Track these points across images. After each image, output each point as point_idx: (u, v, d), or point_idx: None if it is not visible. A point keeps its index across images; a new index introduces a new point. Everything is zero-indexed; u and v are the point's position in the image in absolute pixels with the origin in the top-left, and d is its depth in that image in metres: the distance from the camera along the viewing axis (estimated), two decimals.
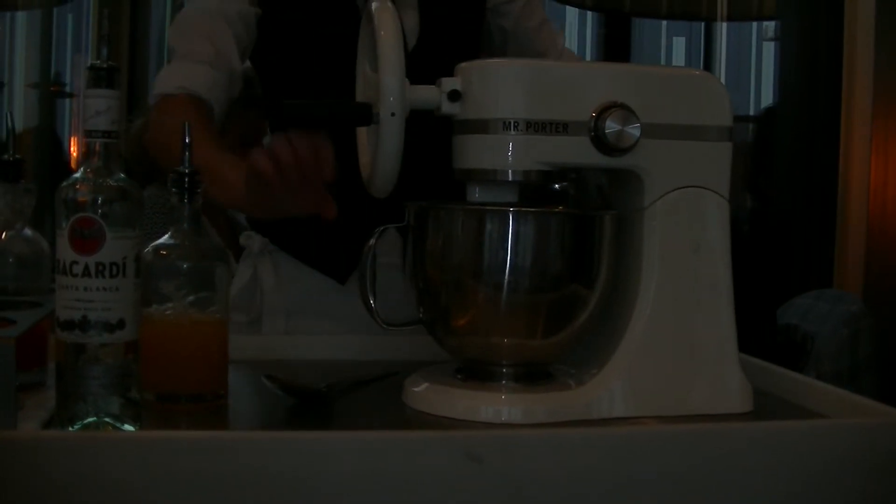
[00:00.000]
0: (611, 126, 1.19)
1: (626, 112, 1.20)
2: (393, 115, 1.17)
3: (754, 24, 5.53)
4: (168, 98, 1.62)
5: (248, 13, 1.70)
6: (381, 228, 1.27)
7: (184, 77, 1.63)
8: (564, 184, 1.35)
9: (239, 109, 1.96)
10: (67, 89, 5.39)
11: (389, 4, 1.24)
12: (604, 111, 1.20)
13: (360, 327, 1.50)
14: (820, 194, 4.27)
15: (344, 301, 1.68)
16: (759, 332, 3.14)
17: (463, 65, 1.24)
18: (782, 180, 4.43)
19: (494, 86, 1.21)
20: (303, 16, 1.71)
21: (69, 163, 5.08)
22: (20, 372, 1.07)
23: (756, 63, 5.49)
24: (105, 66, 1.08)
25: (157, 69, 4.72)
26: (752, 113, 5.25)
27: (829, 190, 4.19)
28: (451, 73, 1.24)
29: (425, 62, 1.28)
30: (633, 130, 1.20)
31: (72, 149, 5.13)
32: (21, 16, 5.41)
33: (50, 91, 5.31)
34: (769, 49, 5.38)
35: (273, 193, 1.27)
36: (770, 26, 5.40)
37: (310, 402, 1.23)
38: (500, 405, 1.20)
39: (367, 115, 1.22)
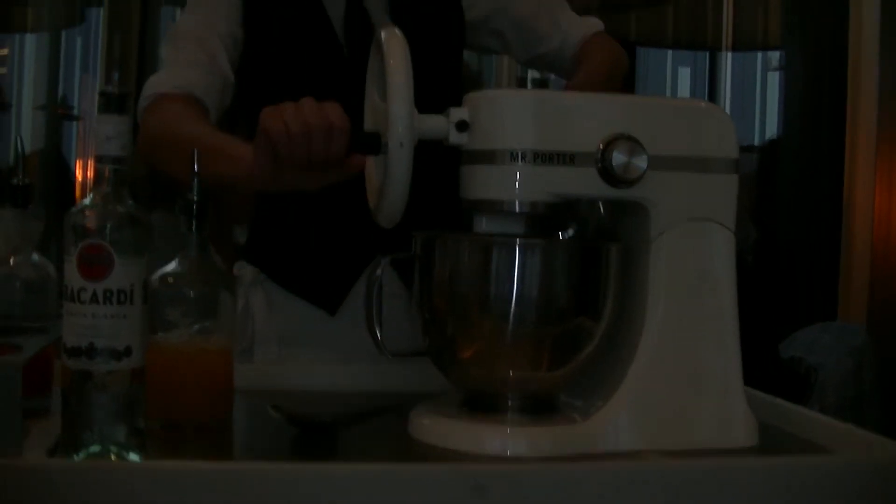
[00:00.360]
0: (618, 158, 1.19)
1: (633, 144, 1.20)
2: (402, 145, 1.18)
3: (759, 54, 5.54)
4: (163, 97, 1.62)
5: (237, 33, 1.72)
6: (385, 259, 1.27)
7: (178, 77, 1.64)
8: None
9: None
10: (75, 112, 5.40)
11: (398, 33, 1.24)
12: (611, 142, 1.20)
13: (351, 356, 1.50)
14: (824, 225, 4.27)
15: (335, 331, 1.69)
16: (764, 364, 3.14)
17: (471, 95, 1.25)
18: (786, 211, 4.44)
19: (502, 116, 1.21)
20: (284, 42, 1.72)
21: (75, 186, 5.08)
22: (25, 398, 1.07)
23: (761, 93, 5.50)
24: (116, 91, 1.08)
25: None
26: (756, 143, 5.25)
27: (834, 221, 4.19)
28: (431, 100, 1.24)
29: None
30: (640, 162, 1.20)
31: (77, 172, 5.14)
32: (30, 38, 5.43)
33: (57, 113, 5.32)
34: (774, 79, 5.39)
35: (283, 160, 1.28)
36: (775, 56, 5.41)
37: (315, 433, 1.23)
38: (506, 438, 1.20)
39: (375, 144, 1.23)
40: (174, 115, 1.59)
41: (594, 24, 1.85)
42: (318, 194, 1.37)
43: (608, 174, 1.20)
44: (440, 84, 1.26)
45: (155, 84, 1.64)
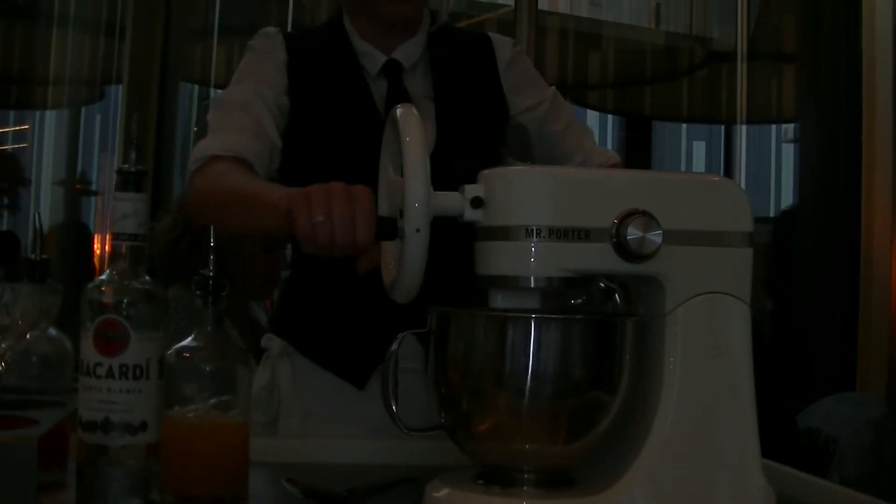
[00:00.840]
0: (633, 233, 1.20)
1: (648, 219, 1.20)
2: (418, 230, 1.18)
3: (774, 126, 5.57)
4: (214, 158, 1.64)
5: (283, 103, 1.74)
6: (403, 334, 1.27)
7: (226, 141, 1.66)
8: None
9: None
10: (93, 187, 5.45)
11: (414, 111, 1.26)
12: (625, 218, 1.20)
13: (379, 431, 1.49)
14: (841, 295, 4.26)
15: (362, 405, 1.69)
16: (781, 435, 3.12)
17: (486, 172, 1.25)
18: (803, 282, 4.43)
19: (517, 193, 1.22)
20: (327, 115, 1.75)
21: (94, 261, 5.11)
22: (40, 471, 1.07)
23: (776, 164, 5.53)
24: (133, 170, 1.10)
25: (182, 170, 4.77)
26: (772, 214, 5.26)
27: (851, 292, 4.19)
28: (467, 180, 1.25)
29: (443, 170, 1.29)
30: (655, 237, 1.20)
31: (96, 247, 5.17)
32: (49, 114, 5.49)
33: (75, 189, 5.37)
34: (789, 151, 5.41)
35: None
36: (789, 128, 5.44)
37: None
38: None
39: (391, 230, 1.23)
40: (220, 172, 1.61)
41: (613, 155, 1.90)
42: (347, 268, 1.38)
43: (623, 249, 1.21)
44: (479, 165, 1.27)
45: (203, 148, 1.66)
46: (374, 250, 1.30)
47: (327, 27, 1.86)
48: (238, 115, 1.70)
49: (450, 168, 1.31)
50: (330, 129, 1.76)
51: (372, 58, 1.80)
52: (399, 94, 1.76)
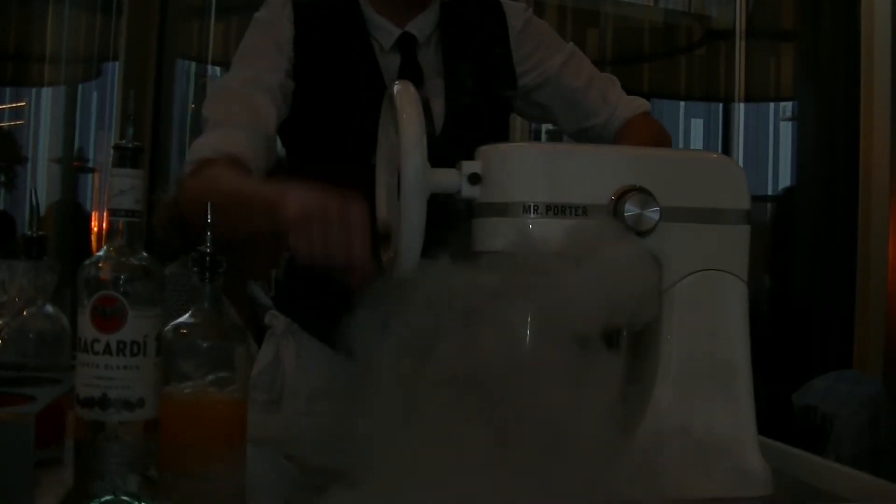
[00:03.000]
0: (630, 209, 1.20)
1: (645, 196, 1.20)
2: (414, 197, 1.18)
3: (772, 104, 5.56)
4: (206, 161, 1.62)
5: (287, 85, 1.72)
6: None
7: (221, 141, 1.63)
8: None
9: None
10: (90, 164, 5.44)
11: (411, 87, 1.25)
12: (623, 195, 1.20)
13: None
14: (839, 274, 4.27)
15: None
16: (778, 413, 3.12)
17: (483, 148, 1.25)
18: (800, 260, 4.43)
19: (514, 169, 1.22)
20: (336, 94, 1.73)
21: (91, 238, 5.11)
22: (38, 448, 1.07)
23: (774, 143, 5.52)
24: (130, 146, 1.09)
25: (179, 147, 4.77)
26: (770, 193, 5.26)
27: (848, 270, 4.19)
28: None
29: (451, 146, 1.29)
30: (653, 214, 1.20)
31: (93, 224, 5.17)
32: (46, 91, 5.48)
33: (73, 166, 5.36)
34: (787, 129, 5.40)
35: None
36: (787, 107, 5.43)
37: (329, 482, 1.22)
38: None
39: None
40: (212, 176, 1.59)
41: (641, 103, 1.87)
42: None
43: None
44: (486, 142, 1.27)
45: (198, 149, 1.64)
46: (367, 275, 1.30)
47: None
48: (236, 108, 1.67)
49: (457, 145, 1.31)
50: (337, 104, 1.74)
51: (386, 31, 1.77)
52: (413, 69, 1.74)
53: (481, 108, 1.77)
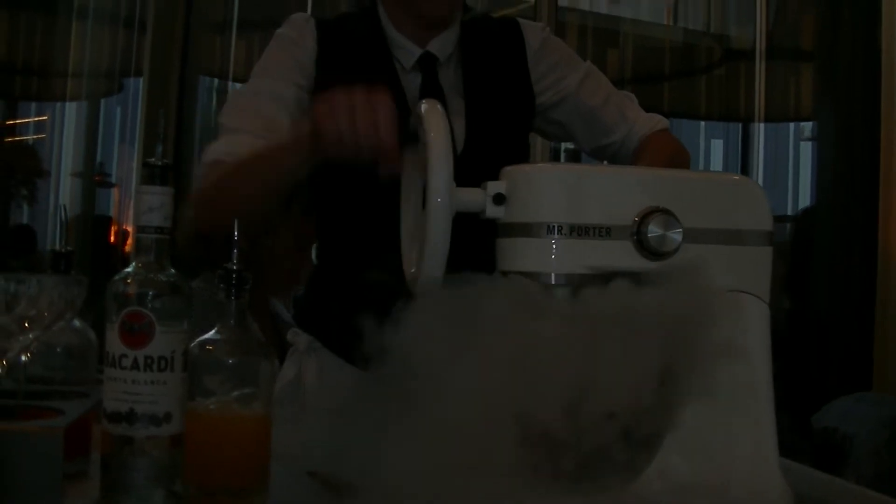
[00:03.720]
0: (653, 231, 1.20)
1: (669, 217, 1.21)
2: (440, 215, 1.19)
3: (791, 125, 5.56)
4: (217, 162, 1.64)
5: (303, 101, 1.72)
6: None
7: (234, 145, 1.64)
8: None
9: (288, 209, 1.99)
10: (111, 179, 5.47)
11: (439, 106, 1.26)
12: (646, 216, 1.21)
13: None
14: (858, 295, 4.25)
15: None
16: (797, 434, 3.12)
17: (508, 169, 1.26)
18: (820, 281, 4.42)
19: (539, 190, 1.23)
20: None
21: (112, 252, 5.13)
22: (65, 461, 1.09)
23: (793, 163, 5.51)
24: (160, 163, 1.11)
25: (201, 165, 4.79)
26: (789, 213, 5.25)
27: (868, 290, 4.18)
28: (496, 176, 1.26)
29: (471, 167, 1.30)
30: (676, 235, 1.21)
31: (112, 238, 5.19)
32: (69, 106, 5.51)
33: (94, 180, 5.39)
34: (806, 149, 5.40)
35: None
36: (807, 127, 5.43)
37: (351, 498, 1.23)
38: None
39: (413, 132, 1.27)
40: (225, 168, 1.61)
41: (659, 120, 1.87)
42: (375, 259, 1.39)
43: (644, 247, 1.21)
44: (507, 161, 1.28)
45: (211, 152, 1.66)
46: (395, 154, 1.35)
47: (360, 16, 1.84)
48: (250, 116, 1.68)
49: (479, 165, 1.32)
50: None
51: (407, 50, 1.78)
52: (434, 89, 1.75)
53: (502, 127, 1.78)
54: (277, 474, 1.27)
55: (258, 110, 1.69)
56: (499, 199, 1.23)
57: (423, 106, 1.27)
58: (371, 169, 1.34)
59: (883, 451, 3.17)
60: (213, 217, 1.58)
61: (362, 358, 1.73)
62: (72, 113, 5.51)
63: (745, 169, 5.38)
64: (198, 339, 1.20)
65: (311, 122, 1.40)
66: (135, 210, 1.12)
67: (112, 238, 5.26)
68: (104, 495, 1.08)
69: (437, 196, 1.19)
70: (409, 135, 1.28)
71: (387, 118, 1.33)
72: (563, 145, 4.81)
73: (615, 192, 1.23)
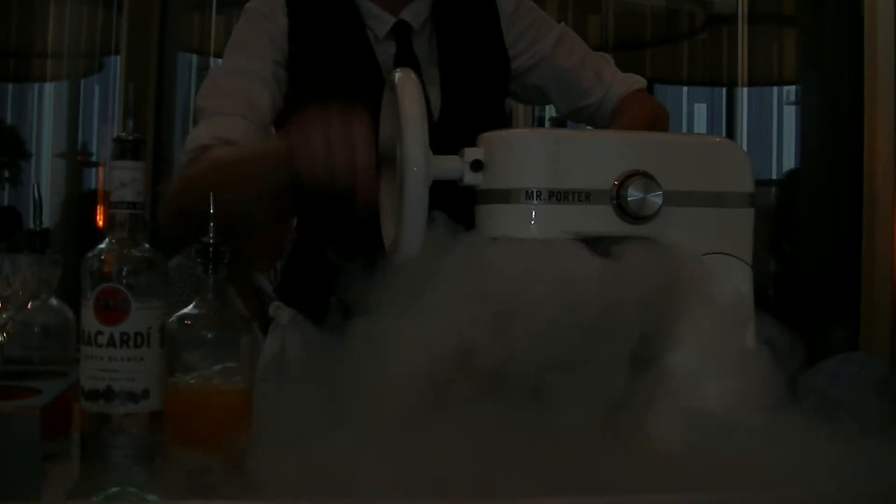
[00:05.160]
0: (633, 194, 1.19)
1: (648, 180, 1.20)
2: (416, 185, 1.18)
3: (775, 88, 5.56)
4: (204, 147, 1.62)
5: (280, 76, 1.71)
6: None
7: (217, 128, 1.63)
8: None
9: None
10: (94, 159, 5.45)
11: (413, 75, 1.25)
12: (626, 179, 1.20)
13: None
14: (844, 257, 4.26)
15: None
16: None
17: (486, 135, 1.25)
18: (806, 243, 4.42)
19: (517, 156, 1.22)
20: (331, 83, 1.72)
21: (96, 231, 5.12)
22: (44, 441, 1.07)
23: (778, 127, 5.51)
24: (130, 138, 1.09)
25: (182, 140, 4.77)
26: (774, 177, 5.26)
27: (853, 252, 4.18)
28: (473, 144, 1.25)
29: (448, 134, 1.29)
30: (656, 198, 1.20)
31: (98, 218, 5.18)
32: (48, 87, 5.48)
33: (77, 161, 5.37)
34: (790, 113, 5.40)
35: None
36: (791, 91, 5.42)
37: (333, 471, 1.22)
38: None
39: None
40: (212, 156, 1.60)
41: (636, 80, 1.85)
42: (358, 229, 1.38)
43: (624, 211, 1.20)
44: (483, 128, 1.26)
45: (194, 138, 1.64)
46: (372, 189, 1.32)
47: None
48: (229, 97, 1.67)
49: (455, 132, 1.30)
50: (334, 95, 1.73)
51: (380, 19, 1.76)
52: (408, 57, 1.73)
53: (477, 94, 1.77)
54: (260, 448, 1.26)
55: (237, 90, 1.68)
56: (476, 165, 1.22)
57: (397, 75, 1.25)
58: (348, 197, 1.32)
59: (870, 412, 3.17)
60: (196, 207, 1.58)
61: (339, 328, 1.73)
62: (52, 94, 5.48)
63: (730, 133, 5.37)
64: (176, 315, 1.19)
65: (287, 147, 1.38)
66: (106, 186, 1.10)
67: (99, 218, 5.24)
68: (84, 474, 1.07)
69: (413, 165, 1.18)
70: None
71: (364, 157, 1.29)
72: (549, 114, 4.80)
73: (594, 156, 1.22)
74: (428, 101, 1.66)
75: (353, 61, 1.74)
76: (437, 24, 1.79)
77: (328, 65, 1.73)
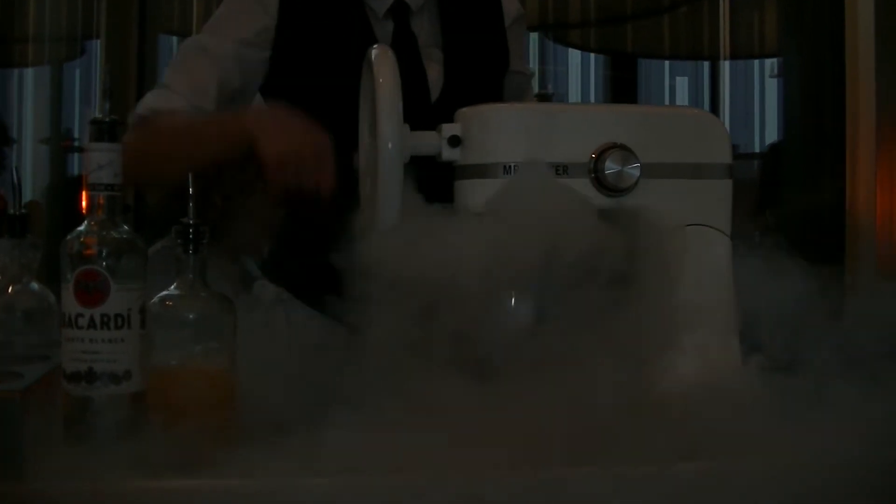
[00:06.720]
0: (610, 167, 1.20)
1: (626, 152, 1.21)
2: (391, 161, 1.18)
3: (757, 61, 5.56)
4: (142, 118, 1.68)
5: (247, 55, 1.72)
6: None
7: (159, 101, 1.69)
8: None
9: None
10: (77, 144, 5.43)
11: (389, 52, 1.25)
12: (603, 152, 1.20)
13: None
14: (827, 230, 4.27)
15: None
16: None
17: (463, 110, 1.26)
18: (789, 216, 4.44)
19: (494, 130, 1.22)
20: (326, 59, 1.73)
21: (83, 217, 5.11)
22: (26, 425, 1.08)
23: (760, 100, 5.52)
24: (107, 120, 1.09)
25: None
26: (757, 150, 5.26)
27: (837, 223, 4.19)
28: None
29: (447, 114, 1.29)
30: (633, 170, 1.21)
31: (83, 202, 5.16)
32: (30, 72, 5.46)
33: (61, 146, 5.35)
34: (773, 86, 5.40)
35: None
36: (774, 63, 5.43)
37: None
38: None
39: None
40: (161, 122, 1.63)
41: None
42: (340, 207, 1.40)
43: (602, 183, 1.21)
44: None
45: (142, 104, 1.70)
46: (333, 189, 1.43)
47: None
48: (182, 77, 1.71)
49: (453, 112, 1.31)
50: (332, 73, 1.73)
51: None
52: (406, 37, 1.75)
53: (479, 75, 1.78)
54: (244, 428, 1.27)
55: (191, 70, 1.71)
56: (454, 141, 1.23)
57: (374, 52, 1.25)
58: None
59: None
60: (138, 173, 1.59)
61: (331, 304, 1.74)
62: (34, 78, 5.46)
63: (713, 107, 5.38)
64: (157, 296, 1.19)
65: (263, 159, 1.47)
66: (84, 168, 1.10)
67: (83, 203, 5.22)
68: (67, 456, 1.07)
69: (387, 141, 1.18)
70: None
71: (328, 173, 1.42)
72: (535, 90, 4.80)
73: (571, 129, 1.23)
74: (426, 80, 1.68)
75: (353, 39, 1.74)
76: (441, 5, 1.81)
77: (327, 42, 1.74)
